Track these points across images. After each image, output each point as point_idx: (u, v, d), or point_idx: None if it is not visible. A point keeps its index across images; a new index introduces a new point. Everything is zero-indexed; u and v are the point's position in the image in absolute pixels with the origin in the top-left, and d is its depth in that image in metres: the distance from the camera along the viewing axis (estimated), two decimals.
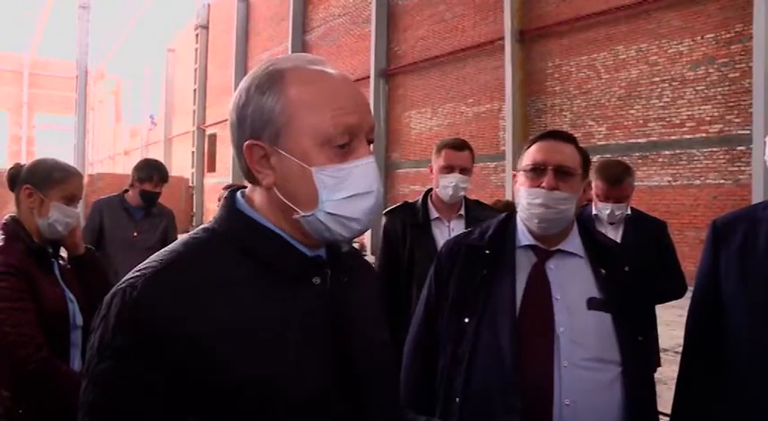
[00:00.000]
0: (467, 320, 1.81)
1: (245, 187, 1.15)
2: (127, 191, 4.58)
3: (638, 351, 1.77)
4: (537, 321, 1.76)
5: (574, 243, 1.90)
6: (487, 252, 1.89)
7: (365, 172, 1.05)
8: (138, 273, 0.97)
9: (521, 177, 1.91)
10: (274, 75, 1.04)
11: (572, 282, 1.82)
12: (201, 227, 1.10)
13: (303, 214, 1.04)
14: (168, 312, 0.92)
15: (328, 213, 1.03)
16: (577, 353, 1.72)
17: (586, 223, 2.09)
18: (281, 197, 1.04)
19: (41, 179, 2.29)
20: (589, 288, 1.81)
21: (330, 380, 1.02)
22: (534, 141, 1.94)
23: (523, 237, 1.90)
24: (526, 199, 1.85)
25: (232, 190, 1.14)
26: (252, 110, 1.03)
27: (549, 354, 1.71)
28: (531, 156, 1.89)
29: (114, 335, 0.92)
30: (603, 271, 1.84)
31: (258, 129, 1.03)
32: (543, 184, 1.82)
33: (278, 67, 1.05)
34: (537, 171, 1.85)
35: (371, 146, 1.11)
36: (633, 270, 1.89)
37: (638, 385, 1.73)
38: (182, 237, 1.08)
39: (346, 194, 1.03)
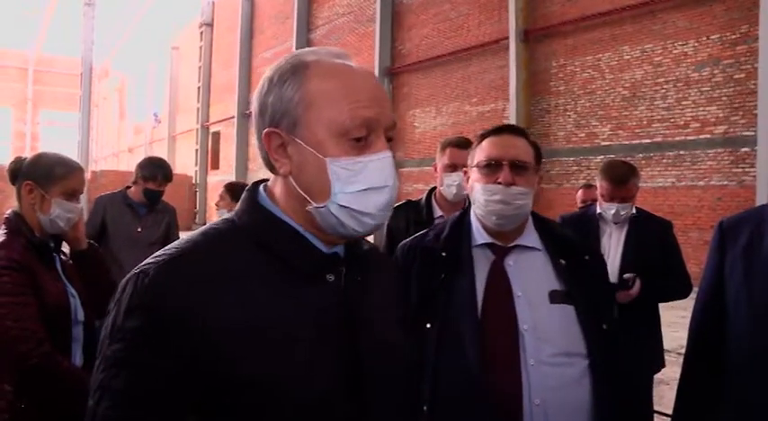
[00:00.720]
0: (429, 326, 1.75)
1: (255, 182, 1.16)
2: (129, 187, 4.58)
3: (604, 340, 1.73)
4: (500, 321, 1.72)
5: (531, 237, 1.87)
6: (444, 254, 1.84)
7: (381, 166, 1.04)
8: (152, 260, 0.99)
9: (474, 173, 1.87)
10: (298, 66, 1.06)
11: (532, 276, 1.79)
12: (222, 218, 1.12)
13: (316, 205, 1.04)
14: (178, 302, 0.94)
15: (341, 206, 1.03)
16: (543, 349, 1.68)
17: (581, 219, 2.06)
18: (296, 187, 1.05)
19: (42, 175, 2.28)
20: (550, 281, 1.78)
21: (337, 380, 1.02)
22: (485, 136, 1.90)
23: (479, 236, 1.86)
24: (483, 195, 1.81)
25: (255, 182, 1.16)
26: (272, 99, 1.05)
27: (514, 354, 1.68)
28: (484, 151, 1.85)
29: (125, 319, 0.94)
30: (563, 261, 1.80)
31: (277, 118, 1.05)
32: (500, 180, 1.78)
33: (302, 59, 1.07)
34: (492, 166, 1.81)
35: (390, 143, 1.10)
36: (593, 258, 1.86)
37: (606, 375, 1.69)
38: (202, 227, 1.09)
39: (360, 187, 1.03)
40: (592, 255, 1.87)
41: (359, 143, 1.03)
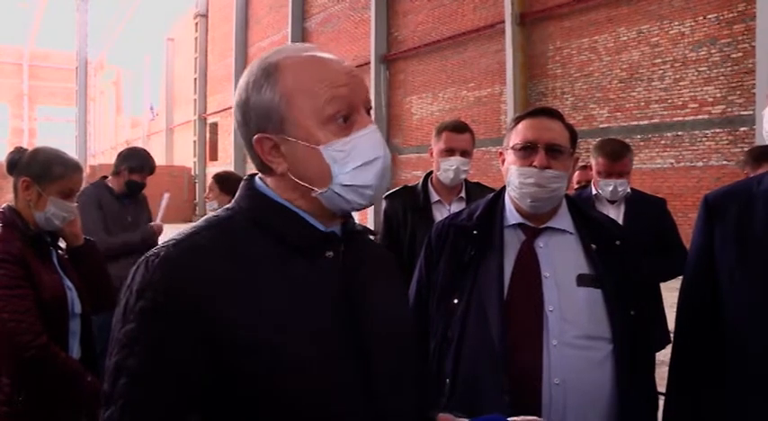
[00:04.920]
0: (456, 301, 1.80)
1: (251, 174, 1.20)
2: (106, 177, 4.47)
3: (631, 326, 1.74)
4: (525, 300, 1.75)
5: (563, 220, 1.88)
6: (475, 232, 1.87)
7: (369, 140, 1.10)
8: (162, 245, 1.04)
9: (510, 156, 1.88)
10: (268, 68, 1.10)
11: (562, 259, 1.80)
12: (222, 207, 1.16)
13: (320, 191, 1.09)
14: (186, 281, 0.98)
15: (344, 185, 1.09)
16: (567, 331, 1.70)
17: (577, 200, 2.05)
18: (297, 180, 1.10)
19: (40, 173, 2.27)
20: (579, 264, 1.79)
21: (342, 352, 1.05)
22: (521, 118, 1.90)
23: (511, 216, 1.88)
24: (518, 178, 1.82)
25: (251, 174, 1.20)
26: (253, 106, 1.10)
27: (537, 334, 1.70)
28: (520, 134, 1.85)
29: (137, 300, 0.98)
30: (594, 246, 1.81)
31: (263, 123, 1.09)
32: (535, 163, 1.79)
33: (270, 61, 1.11)
34: (527, 149, 1.82)
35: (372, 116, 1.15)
36: (625, 243, 1.86)
37: (630, 361, 1.71)
38: (204, 217, 1.15)
39: (356, 164, 1.09)
40: (624, 241, 1.87)
41: (344, 124, 1.09)
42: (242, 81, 1.12)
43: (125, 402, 0.96)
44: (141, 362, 0.96)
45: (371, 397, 1.06)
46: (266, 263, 1.04)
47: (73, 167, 2.34)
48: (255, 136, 1.10)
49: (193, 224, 1.11)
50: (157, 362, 0.97)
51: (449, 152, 3.13)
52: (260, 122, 1.09)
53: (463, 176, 3.19)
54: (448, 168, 3.13)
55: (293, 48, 1.13)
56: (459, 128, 3.21)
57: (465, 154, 3.15)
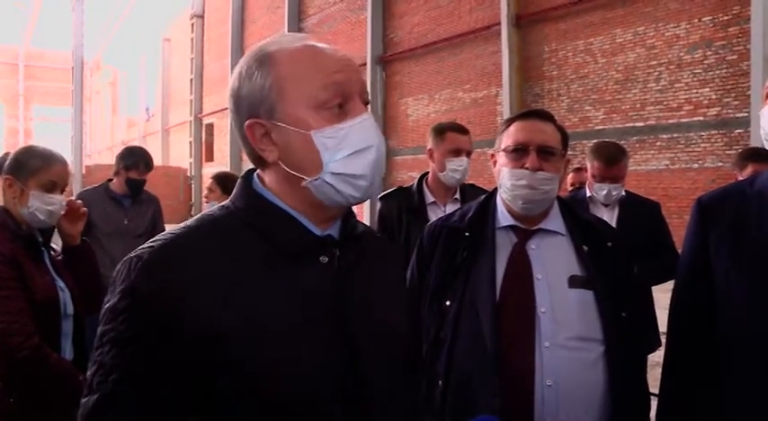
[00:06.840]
0: (448, 303, 1.81)
1: (249, 170, 1.19)
2: (111, 180, 4.53)
3: (622, 327, 1.75)
4: (518, 302, 1.75)
5: (555, 221, 1.89)
6: (467, 234, 1.87)
7: (362, 128, 1.08)
8: (147, 246, 1.02)
9: (502, 158, 1.89)
10: (262, 57, 1.09)
11: (554, 260, 1.81)
12: (218, 205, 1.15)
13: (310, 180, 1.07)
14: (168, 283, 0.96)
15: (334, 174, 1.06)
16: (559, 332, 1.71)
17: (571, 203, 2.06)
18: (288, 169, 1.08)
19: (19, 168, 2.26)
20: (571, 266, 1.80)
21: (331, 359, 1.04)
22: (512, 121, 1.91)
23: (503, 218, 1.89)
24: (510, 180, 1.83)
25: (249, 170, 1.18)
26: (246, 92, 1.09)
27: (529, 336, 1.71)
28: (512, 136, 1.86)
29: (117, 300, 0.97)
30: (586, 248, 1.82)
31: (254, 109, 1.08)
32: (527, 165, 1.80)
33: (266, 50, 1.10)
34: (519, 151, 1.83)
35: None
36: (616, 245, 1.87)
37: (622, 363, 1.71)
38: (198, 215, 1.13)
39: (347, 152, 1.06)
40: (615, 243, 1.88)
41: (338, 111, 1.07)
42: (236, 69, 1.12)
43: (99, 397, 0.96)
44: (117, 362, 0.96)
45: (360, 403, 1.05)
46: (257, 266, 1.03)
47: (51, 159, 2.31)
48: (247, 121, 1.08)
49: (186, 222, 1.09)
50: (134, 362, 0.96)
51: (456, 152, 3.11)
52: (251, 109, 1.08)
53: (467, 177, 3.19)
54: (456, 168, 3.11)
55: (288, 39, 1.12)
56: (462, 129, 3.21)
57: (468, 154, 3.15)
